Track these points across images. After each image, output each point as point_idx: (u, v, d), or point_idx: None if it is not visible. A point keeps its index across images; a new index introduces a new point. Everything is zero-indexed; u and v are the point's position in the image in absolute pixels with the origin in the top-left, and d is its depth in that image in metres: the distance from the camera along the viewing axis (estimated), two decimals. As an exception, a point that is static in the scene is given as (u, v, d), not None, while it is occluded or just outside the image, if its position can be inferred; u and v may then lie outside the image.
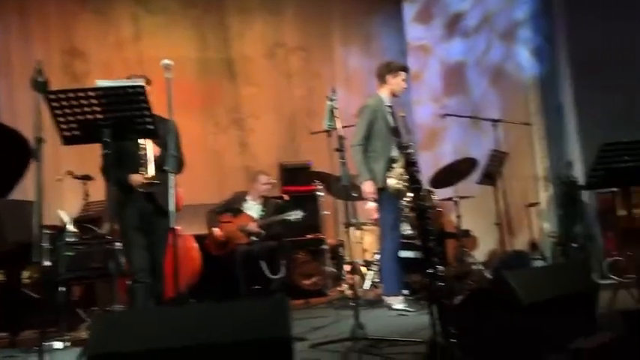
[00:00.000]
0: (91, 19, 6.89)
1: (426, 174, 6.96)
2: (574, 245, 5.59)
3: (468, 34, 7.12)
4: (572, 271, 2.94)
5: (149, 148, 3.71)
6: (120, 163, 3.54)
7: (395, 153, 4.47)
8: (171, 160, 3.17)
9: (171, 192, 3.09)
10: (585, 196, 5.81)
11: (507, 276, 2.58)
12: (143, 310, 3.20)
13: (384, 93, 4.62)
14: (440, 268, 2.51)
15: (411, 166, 2.51)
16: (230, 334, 2.15)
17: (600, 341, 2.50)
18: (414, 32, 7.71)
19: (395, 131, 4.49)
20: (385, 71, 4.61)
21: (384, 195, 4.35)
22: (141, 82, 3.20)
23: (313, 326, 4.08)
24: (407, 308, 4.25)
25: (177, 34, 7.10)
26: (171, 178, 3.13)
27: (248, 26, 7.37)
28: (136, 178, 3.67)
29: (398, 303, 4.34)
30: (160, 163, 3.68)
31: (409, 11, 7.75)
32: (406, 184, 4.19)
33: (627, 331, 2.68)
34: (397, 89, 4.61)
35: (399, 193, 4.33)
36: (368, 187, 4.35)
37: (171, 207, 3.05)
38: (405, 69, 4.68)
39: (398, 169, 4.35)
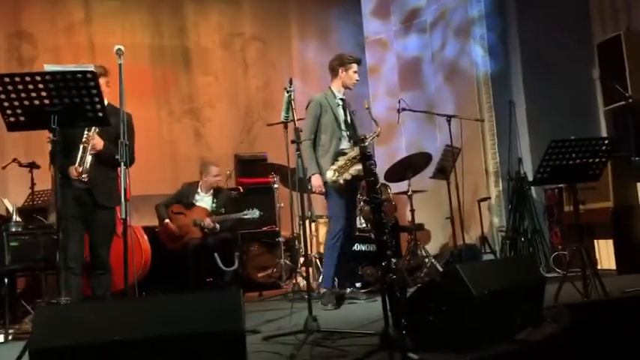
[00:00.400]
0: (40, 2, 6.64)
1: (381, 168, 7.08)
2: (522, 239, 5.74)
3: (424, 30, 7.20)
4: (520, 265, 3.02)
5: (94, 140, 3.61)
6: (66, 152, 3.45)
7: (345, 146, 4.46)
8: (124, 150, 3.07)
9: (124, 183, 2.99)
10: (534, 191, 5.97)
11: (459, 268, 2.63)
12: (90, 303, 3.12)
13: (335, 86, 4.61)
14: (393, 260, 2.52)
15: (366, 159, 2.52)
16: (182, 326, 2.12)
17: (546, 333, 2.57)
18: (372, 26, 7.76)
19: (346, 124, 4.50)
20: (337, 64, 4.59)
21: (328, 188, 4.35)
22: (91, 68, 3.10)
23: (267, 319, 4.06)
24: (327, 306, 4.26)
25: (131, 20, 6.93)
26: (123, 168, 3.04)
27: (204, 15, 7.27)
28: (70, 171, 3.57)
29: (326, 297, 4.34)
30: (105, 155, 3.61)
31: (367, 5, 7.79)
32: (346, 177, 4.25)
33: (572, 324, 2.78)
34: (349, 82, 4.59)
35: (339, 186, 4.29)
36: (315, 181, 4.35)
37: (122, 199, 2.95)
38: (357, 61, 4.63)
39: (340, 162, 4.33)
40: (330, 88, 4.63)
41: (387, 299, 2.50)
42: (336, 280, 4.41)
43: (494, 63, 6.41)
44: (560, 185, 5.58)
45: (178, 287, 5.47)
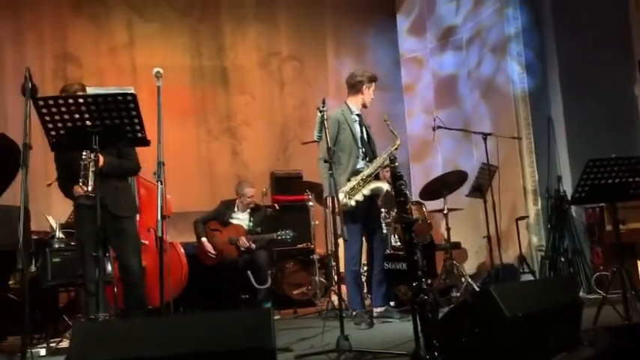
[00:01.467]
0: (85, 25, 6.92)
1: (417, 185, 7.04)
2: (562, 259, 5.60)
3: (460, 48, 7.17)
4: (557, 286, 2.96)
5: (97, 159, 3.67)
6: (72, 175, 3.50)
7: (361, 165, 4.45)
8: (160, 169, 3.15)
9: (160, 202, 3.05)
10: (574, 210, 5.84)
11: (491, 289, 2.60)
12: (126, 319, 3.18)
13: (353, 102, 4.60)
14: (424, 280, 2.51)
15: (396, 179, 2.52)
16: (213, 344, 2.15)
17: (582, 357, 2.51)
18: (407, 44, 7.78)
19: (362, 142, 4.49)
20: (360, 80, 4.58)
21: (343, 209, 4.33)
22: (131, 90, 3.21)
23: (300, 337, 4.07)
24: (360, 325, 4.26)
25: (171, 41, 7.13)
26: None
27: (242, 35, 7.43)
28: (75, 189, 3.55)
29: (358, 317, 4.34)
30: (107, 170, 3.61)
31: (402, 23, 7.82)
32: (358, 198, 4.23)
33: (610, 348, 2.70)
34: (368, 100, 4.62)
35: (351, 209, 4.23)
36: (329, 202, 4.29)
37: (159, 216, 3.01)
38: (376, 79, 4.68)
39: (352, 182, 4.30)
40: (346, 103, 4.61)
41: (417, 320, 2.48)
42: (370, 298, 4.41)
43: (532, 80, 6.33)
44: (601, 204, 5.44)
45: (214, 304, 5.55)
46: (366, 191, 4.29)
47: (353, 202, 4.23)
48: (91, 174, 3.49)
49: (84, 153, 3.48)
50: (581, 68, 6.04)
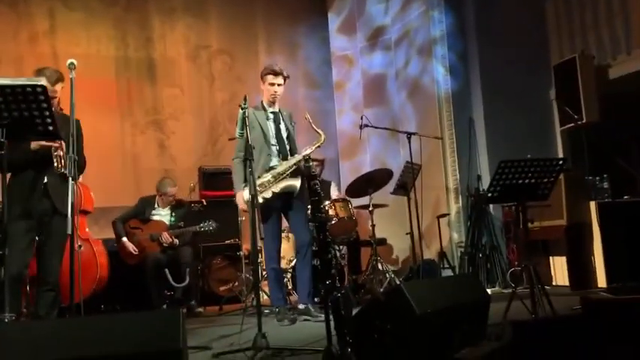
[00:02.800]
0: (3, 12, 6.58)
1: (346, 182, 7.14)
2: (480, 255, 5.84)
3: (389, 48, 7.32)
4: (464, 283, 3.08)
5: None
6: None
7: (274, 162, 4.39)
8: (72, 165, 3.04)
9: (70, 198, 2.96)
10: (492, 208, 6.09)
11: (402, 287, 2.67)
12: (29, 322, 3.05)
13: (265, 99, 4.54)
14: (338, 278, 2.56)
15: (311, 179, 2.55)
16: (120, 346, 2.11)
17: (485, 351, 2.62)
18: (338, 43, 7.86)
19: (278, 139, 4.41)
20: (261, 76, 4.54)
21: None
22: (42, 82, 3.08)
23: (222, 334, 4.06)
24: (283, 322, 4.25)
25: (95, 31, 6.90)
26: (71, 183, 3.01)
27: (170, 27, 7.29)
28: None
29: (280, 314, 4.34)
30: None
31: (334, 22, 7.89)
32: (266, 195, 4.21)
33: (514, 341, 2.83)
34: (267, 95, 4.48)
35: (262, 206, 4.14)
36: (238, 198, 4.35)
37: (69, 212, 2.92)
38: (272, 72, 4.45)
39: (261, 179, 4.25)
40: (261, 101, 4.57)
41: (330, 317, 2.53)
42: (295, 295, 4.42)
43: (455, 82, 6.54)
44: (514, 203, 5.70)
45: (137, 302, 5.44)
46: (276, 189, 4.25)
47: (260, 199, 4.12)
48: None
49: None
50: (501, 72, 6.30)
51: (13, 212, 3.36)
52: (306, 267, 4.45)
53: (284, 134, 4.49)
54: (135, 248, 5.44)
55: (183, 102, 7.24)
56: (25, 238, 3.49)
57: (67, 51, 6.54)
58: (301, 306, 4.43)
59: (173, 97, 7.22)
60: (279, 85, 4.47)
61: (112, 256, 5.34)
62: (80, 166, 3.51)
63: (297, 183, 4.32)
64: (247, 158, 3.26)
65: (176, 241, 5.42)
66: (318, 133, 4.37)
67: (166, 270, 5.35)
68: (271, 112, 4.48)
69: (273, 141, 4.41)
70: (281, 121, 4.52)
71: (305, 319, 4.34)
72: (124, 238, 5.47)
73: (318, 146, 4.36)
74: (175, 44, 7.29)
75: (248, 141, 3.36)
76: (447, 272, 5.95)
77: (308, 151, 4.24)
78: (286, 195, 4.34)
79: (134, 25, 7.08)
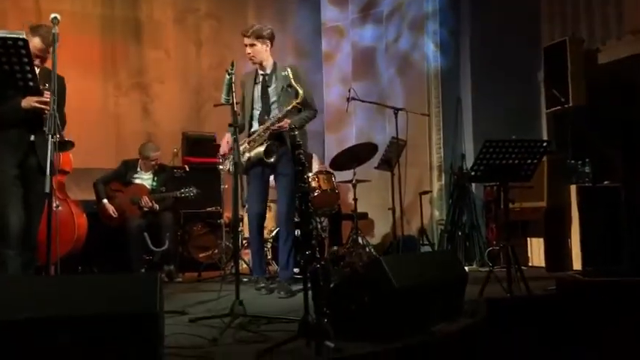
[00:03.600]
0: (-16, -35, 6.36)
1: (330, 155, 7.11)
2: (459, 234, 5.89)
3: (380, 21, 7.23)
4: (443, 260, 3.10)
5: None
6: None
7: (255, 127, 4.21)
8: (52, 122, 2.98)
9: (49, 156, 2.90)
10: (474, 187, 6.12)
11: (382, 260, 2.69)
12: (2, 278, 3.01)
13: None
14: (317, 249, 2.56)
15: (295, 148, 2.52)
16: (95, 306, 2.10)
17: (460, 326, 2.66)
18: (330, 13, 7.75)
19: (263, 101, 4.19)
20: None
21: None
22: (22, 35, 2.99)
23: (199, 300, 4.06)
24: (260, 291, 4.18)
25: (81, -13, 6.71)
26: (50, 141, 2.95)
27: (159, -13, 7.11)
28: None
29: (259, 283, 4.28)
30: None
31: (326, -9, 7.77)
32: (243, 160, 4.01)
33: (487, 318, 2.88)
34: (248, 56, 4.28)
35: (245, 170, 4.10)
36: (222, 144, 4.29)
37: (48, 171, 2.87)
38: (242, 34, 4.27)
39: (242, 145, 4.06)
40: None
41: (309, 288, 2.53)
42: (275, 264, 4.37)
43: (445, 59, 6.51)
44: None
45: (116, 265, 5.41)
46: (250, 154, 4.11)
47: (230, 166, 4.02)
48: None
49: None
50: (491, 52, 6.28)
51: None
52: (286, 242, 4.22)
53: (272, 97, 4.24)
54: (114, 210, 5.39)
55: (168, 66, 7.10)
56: (15, 190, 3.44)
57: (51, 7, 6.33)
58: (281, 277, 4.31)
59: (158, 60, 7.08)
60: (250, 45, 4.21)
61: (91, 218, 5.29)
62: (60, 123, 3.43)
63: (261, 149, 4.07)
64: (231, 124, 3.21)
65: (156, 205, 5.37)
66: (297, 89, 4.04)
67: (145, 234, 5.32)
68: (261, 75, 4.26)
69: (257, 105, 4.23)
70: (273, 82, 4.27)
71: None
72: (105, 200, 5.42)
73: (295, 106, 4.04)
74: (162, 6, 7.12)
75: (233, 107, 3.31)
76: (427, 249, 5.99)
77: (279, 114, 4.05)
78: (265, 162, 4.12)
79: (121, -17, 6.90)
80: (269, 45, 4.27)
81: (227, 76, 3.50)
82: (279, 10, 7.70)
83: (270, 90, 4.26)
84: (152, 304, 2.03)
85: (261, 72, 4.30)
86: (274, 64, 4.34)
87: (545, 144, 3.88)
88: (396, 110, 5.53)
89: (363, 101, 5.89)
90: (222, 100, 3.61)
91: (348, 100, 5.60)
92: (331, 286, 2.79)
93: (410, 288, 2.66)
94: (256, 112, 4.24)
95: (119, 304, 2.06)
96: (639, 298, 2.72)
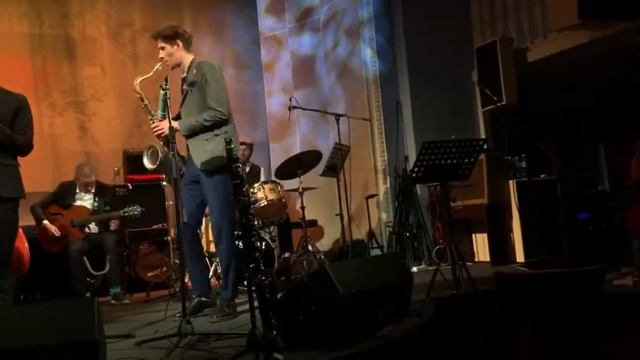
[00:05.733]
0: None
1: (276, 164, 7.10)
2: (407, 234, 5.98)
3: (318, 29, 7.29)
4: (388, 263, 3.14)
5: None
6: None
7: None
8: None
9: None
10: (419, 188, 6.23)
11: (327, 268, 2.70)
12: None
13: None
14: (262, 262, 2.54)
15: (232, 162, 2.51)
16: (33, 338, 2.03)
17: (407, 328, 2.70)
18: (267, 23, 7.76)
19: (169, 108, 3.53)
20: None
21: None
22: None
23: (147, 321, 3.97)
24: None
25: (6, 7, 6.48)
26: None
27: (90, 4, 6.95)
28: None
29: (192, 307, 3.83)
30: None
31: (262, 2, 7.78)
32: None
33: (434, 317, 2.93)
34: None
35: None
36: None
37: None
38: (153, 36, 3.95)
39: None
40: None
41: (254, 301, 2.52)
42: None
43: (382, 64, 6.62)
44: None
45: (59, 291, 5.23)
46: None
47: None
48: None
49: None
50: (426, 54, 6.43)
51: None
52: (227, 256, 3.85)
53: (184, 101, 3.92)
54: (57, 230, 5.22)
55: (105, 82, 6.95)
56: None
57: (-23, 27, 6.15)
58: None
59: (94, 77, 6.92)
60: (161, 48, 3.90)
61: (31, 244, 5.08)
62: (23, 145, 3.35)
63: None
64: (169, 141, 3.16)
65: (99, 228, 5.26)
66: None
67: (85, 258, 5.18)
68: (164, 80, 3.57)
69: (159, 115, 3.86)
70: (185, 85, 3.93)
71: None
72: (45, 221, 5.24)
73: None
74: (95, 22, 6.97)
75: (170, 123, 3.26)
76: (376, 252, 6.05)
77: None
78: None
79: (49, 1, 6.71)
80: (180, 45, 3.91)
81: (162, 92, 3.46)
82: (215, 22, 7.66)
83: (187, 91, 3.91)
84: (91, 330, 1.98)
85: (182, 75, 3.94)
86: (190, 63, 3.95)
87: (480, 142, 3.98)
88: (338, 116, 5.58)
89: (304, 109, 5.92)
90: (159, 116, 3.56)
91: (289, 108, 5.60)
92: (278, 297, 2.78)
93: (356, 293, 2.68)
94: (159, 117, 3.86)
95: (57, 333, 1.99)
96: (576, 287, 2.83)
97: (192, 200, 3.91)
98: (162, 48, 3.89)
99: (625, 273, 4.09)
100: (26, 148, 3.45)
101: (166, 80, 3.43)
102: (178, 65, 3.94)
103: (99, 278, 5.26)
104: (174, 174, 3.14)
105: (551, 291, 2.52)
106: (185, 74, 3.94)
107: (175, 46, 3.90)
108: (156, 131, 3.65)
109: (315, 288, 2.72)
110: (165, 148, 3.82)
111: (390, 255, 5.14)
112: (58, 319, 2.05)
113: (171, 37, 3.89)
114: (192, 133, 3.79)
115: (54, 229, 5.22)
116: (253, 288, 2.53)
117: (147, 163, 3.94)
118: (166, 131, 3.53)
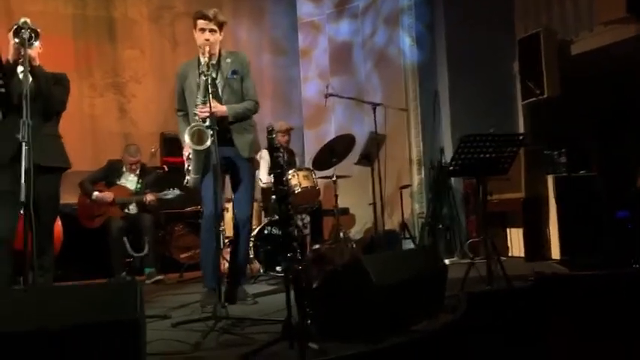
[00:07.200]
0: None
1: (309, 150, 7.11)
2: (440, 226, 5.94)
3: (356, 16, 7.23)
4: (422, 256, 3.13)
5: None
6: None
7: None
8: (26, 130, 2.89)
9: (24, 164, 2.83)
10: (453, 180, 6.17)
11: (362, 259, 2.70)
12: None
13: (200, 50, 3.82)
14: (299, 251, 2.56)
15: (274, 151, 2.52)
16: (76, 317, 2.08)
17: (441, 322, 2.69)
18: (305, 8, 7.72)
19: (205, 92, 3.55)
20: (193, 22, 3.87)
21: None
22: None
23: (182, 303, 4.05)
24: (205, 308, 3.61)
25: (52, -13, 6.60)
26: (25, 148, 2.87)
27: (132, -15, 7.03)
28: None
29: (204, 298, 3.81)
30: (40, 76, 3.32)
31: (301, -13, 7.74)
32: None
33: (468, 313, 2.91)
34: (199, 43, 3.77)
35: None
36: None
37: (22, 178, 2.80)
38: (201, 17, 3.78)
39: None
40: (198, 55, 3.91)
41: (291, 289, 2.54)
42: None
43: (421, 53, 6.53)
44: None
45: (97, 268, 5.35)
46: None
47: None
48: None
49: None
50: (466, 45, 6.32)
51: None
52: (242, 244, 3.94)
53: (220, 88, 3.82)
54: (111, 195, 5.32)
55: (144, 65, 7.03)
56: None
57: (23, 7, 6.26)
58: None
59: (134, 59, 7.01)
60: (211, 31, 3.75)
61: (69, 220, 5.20)
62: (58, 96, 3.41)
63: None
64: (209, 126, 3.20)
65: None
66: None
67: (125, 238, 5.29)
68: (211, 64, 3.65)
69: (200, 94, 3.62)
70: (213, 69, 3.77)
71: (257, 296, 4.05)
72: (96, 192, 5.35)
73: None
74: (137, 4, 7.05)
75: (210, 108, 3.29)
76: (408, 242, 6.04)
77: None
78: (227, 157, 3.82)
79: (93, -18, 6.81)
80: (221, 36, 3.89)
81: (203, 77, 3.49)
82: (254, 7, 7.67)
83: (218, 81, 3.84)
84: (133, 310, 2.02)
85: (209, 61, 3.64)
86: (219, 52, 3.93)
87: (520, 137, 3.92)
88: (374, 105, 5.54)
89: (341, 97, 5.90)
90: (199, 102, 3.60)
91: (326, 96, 5.59)
92: (313, 286, 2.80)
93: (390, 286, 2.68)
94: (200, 100, 3.64)
95: (101, 312, 2.05)
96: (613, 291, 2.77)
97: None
98: (213, 32, 3.77)
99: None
100: (59, 102, 3.46)
101: (208, 66, 3.44)
102: (212, 54, 3.77)
103: (136, 259, 5.36)
104: (214, 160, 3.17)
105: (592, 294, 2.47)
106: (213, 62, 3.76)
107: (221, 36, 3.89)
108: (203, 114, 3.57)
109: (348, 278, 2.72)
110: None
111: (425, 247, 5.13)
112: (102, 299, 2.10)
113: (222, 25, 3.89)
114: (235, 120, 3.84)
115: (107, 195, 5.31)
116: (290, 277, 2.54)
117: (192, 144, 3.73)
118: (217, 114, 3.55)
